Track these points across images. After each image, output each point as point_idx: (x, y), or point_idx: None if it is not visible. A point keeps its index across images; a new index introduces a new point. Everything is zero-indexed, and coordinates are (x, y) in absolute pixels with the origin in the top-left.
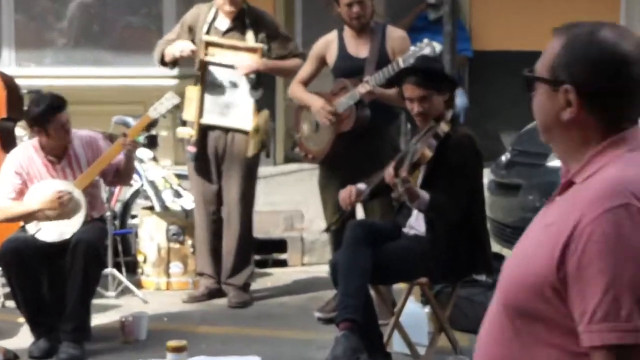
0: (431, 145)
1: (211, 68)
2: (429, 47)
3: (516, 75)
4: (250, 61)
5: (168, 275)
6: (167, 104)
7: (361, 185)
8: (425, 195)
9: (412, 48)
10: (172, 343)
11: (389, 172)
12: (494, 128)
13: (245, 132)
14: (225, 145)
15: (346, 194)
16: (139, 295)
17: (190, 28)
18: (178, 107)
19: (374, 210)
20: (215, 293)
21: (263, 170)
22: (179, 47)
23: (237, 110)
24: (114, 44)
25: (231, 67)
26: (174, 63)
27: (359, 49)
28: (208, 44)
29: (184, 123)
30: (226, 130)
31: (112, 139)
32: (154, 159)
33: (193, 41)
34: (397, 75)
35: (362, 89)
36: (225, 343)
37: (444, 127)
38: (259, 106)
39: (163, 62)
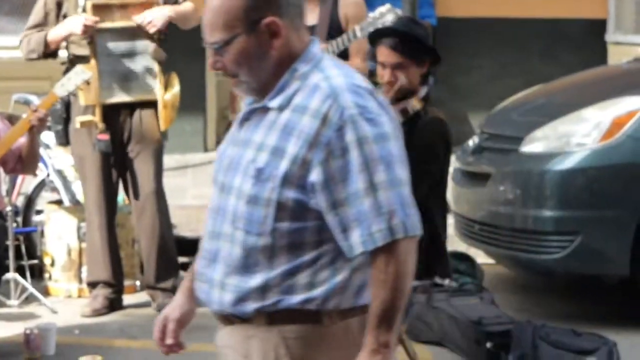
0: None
1: (101, 36)
2: (392, 13)
3: (487, 47)
4: (151, 12)
5: (80, 280)
6: (76, 80)
7: None
8: None
9: (371, 14)
10: (85, 359)
11: None
12: (461, 108)
13: (153, 104)
14: (131, 129)
15: None
16: (46, 304)
17: (59, 1)
18: (88, 84)
19: None
20: (116, 304)
21: (192, 157)
22: (69, 25)
23: (140, 79)
24: (14, 9)
25: (126, 30)
26: (54, 53)
27: (307, 16)
28: (95, 7)
29: (84, 110)
30: (131, 108)
31: (12, 120)
32: (62, 144)
33: (65, 16)
34: (375, 33)
35: None
36: (148, 359)
37: (414, 104)
38: (166, 69)
39: (47, 54)
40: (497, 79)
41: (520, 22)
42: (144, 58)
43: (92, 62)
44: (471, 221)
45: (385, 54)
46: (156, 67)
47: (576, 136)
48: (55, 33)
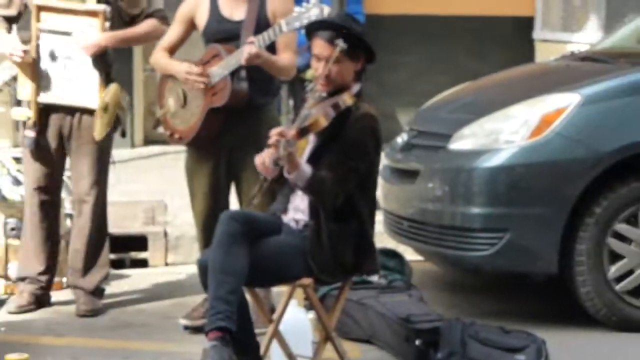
0: (328, 115)
1: (45, 37)
2: (317, 8)
3: (416, 44)
4: (90, 33)
5: (7, 277)
6: (3, 75)
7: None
8: (306, 168)
9: (297, 9)
10: (11, 357)
11: (275, 130)
12: (389, 105)
13: (91, 111)
14: (71, 128)
15: (259, 159)
16: None
17: None
18: (15, 80)
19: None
20: (42, 300)
21: (119, 153)
22: (5, 47)
23: (79, 84)
24: None
25: (69, 34)
26: None
27: (234, 11)
28: (40, 9)
29: (19, 103)
30: (71, 109)
31: None
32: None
33: (26, 5)
34: (311, 25)
35: (249, 49)
36: (75, 357)
37: (346, 100)
38: (107, 78)
39: None
40: (424, 76)
41: (447, 19)
42: (86, 63)
43: (31, 58)
44: (400, 218)
45: (320, 46)
46: (97, 75)
47: (504, 133)
48: None
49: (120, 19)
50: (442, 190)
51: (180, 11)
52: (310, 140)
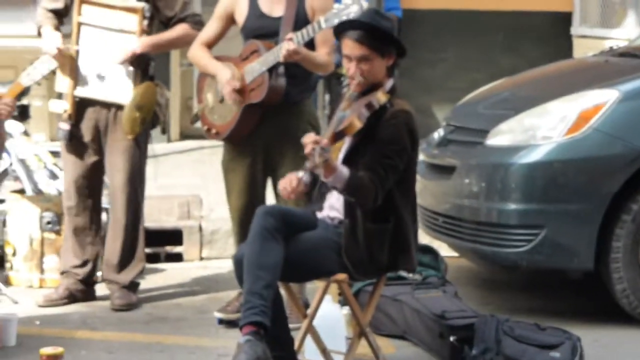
0: (362, 116)
1: (85, 30)
2: (356, 5)
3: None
4: (127, 41)
5: (42, 270)
6: (42, 69)
7: (300, 174)
8: (344, 170)
9: (337, 6)
10: (46, 350)
11: (309, 136)
12: (426, 101)
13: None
14: (107, 122)
15: (286, 182)
16: (7, 294)
17: None
18: (54, 73)
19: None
20: (78, 295)
21: (155, 147)
22: (44, 44)
23: (114, 80)
24: None
25: (109, 30)
26: None
27: (274, 7)
28: (82, 2)
29: (59, 95)
30: (107, 104)
31: None
32: (25, 133)
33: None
34: (340, 26)
35: (287, 46)
36: (110, 351)
37: (380, 97)
38: (144, 75)
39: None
40: (461, 72)
41: (484, 14)
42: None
43: (72, 51)
44: (435, 214)
45: (350, 46)
46: (132, 72)
47: (542, 129)
48: (42, 40)
49: (157, 18)
50: (478, 186)
51: (219, 6)
52: (346, 140)
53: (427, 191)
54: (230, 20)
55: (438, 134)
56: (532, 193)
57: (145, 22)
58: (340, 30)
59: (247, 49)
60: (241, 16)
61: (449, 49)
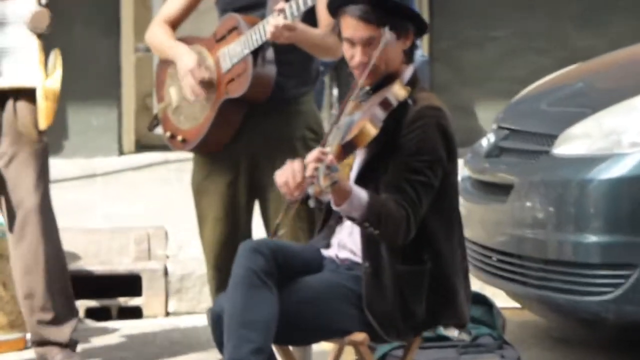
0: (376, 118)
1: None
2: None
3: (507, 13)
4: None
5: None
6: None
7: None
8: (361, 194)
9: None
10: None
11: (310, 155)
12: (470, 95)
13: (30, 93)
14: (1, 125)
15: (287, 174)
16: None
17: None
18: None
19: (280, 225)
20: None
21: (102, 163)
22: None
23: (10, 59)
24: None
25: None
26: None
27: None
28: None
29: None
30: (2, 97)
31: None
32: None
33: None
34: (334, 0)
35: (277, 21)
36: None
37: (397, 92)
38: (48, 45)
39: None
40: (519, 55)
41: None
42: (18, 28)
43: None
44: (487, 249)
45: (352, 26)
46: (35, 42)
47: (629, 133)
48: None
49: None
50: (544, 211)
51: None
52: (358, 152)
53: (474, 219)
54: None
55: (487, 140)
56: (618, 220)
57: None
58: (337, 5)
59: (224, 26)
60: None
61: (502, 25)
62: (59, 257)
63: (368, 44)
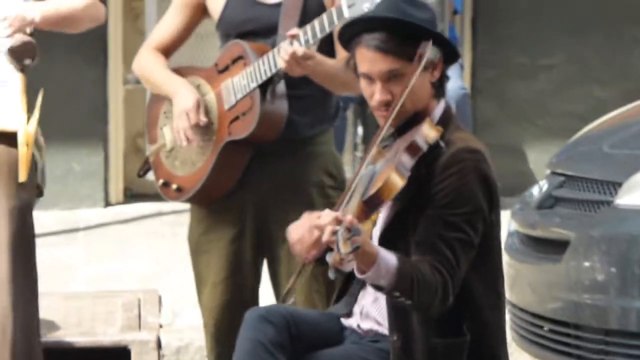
0: (403, 167)
1: None
2: None
3: (562, 35)
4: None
5: None
6: None
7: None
8: (389, 259)
9: None
10: None
11: (325, 217)
12: (518, 135)
13: (9, 137)
14: None
15: (302, 230)
16: None
17: None
18: None
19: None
20: None
21: (84, 215)
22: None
23: None
24: None
25: None
26: None
27: None
28: None
29: None
30: None
31: None
32: None
33: None
34: (345, 31)
35: (290, 49)
36: None
37: (427, 134)
38: (34, 85)
39: None
40: (576, 86)
41: None
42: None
43: None
44: (537, 317)
45: (369, 59)
46: (17, 78)
47: None
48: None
49: None
50: (606, 272)
51: None
52: (383, 207)
53: (522, 281)
54: (200, 11)
55: (539, 188)
56: None
57: None
58: (349, 36)
59: (227, 54)
60: (218, 3)
61: (555, 50)
62: (30, 331)
63: (389, 78)
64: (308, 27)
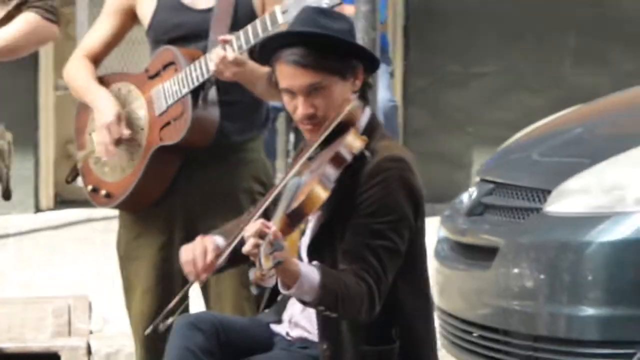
0: (326, 179)
1: None
2: None
3: (494, 43)
4: None
5: None
6: None
7: (219, 239)
8: (311, 274)
9: None
10: None
11: (249, 228)
12: (449, 142)
13: None
14: None
15: (198, 251)
16: None
17: None
18: None
19: (222, 295)
20: None
21: (14, 220)
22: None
23: None
24: None
25: None
26: None
27: None
28: None
29: None
30: None
31: None
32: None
33: None
34: (265, 45)
35: (222, 54)
36: None
37: (352, 143)
38: None
39: None
40: (507, 95)
41: (550, 3)
42: None
43: None
44: (467, 323)
45: (289, 75)
46: None
47: (634, 188)
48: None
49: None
50: (534, 279)
51: None
52: (309, 219)
53: (451, 287)
54: (130, 17)
55: (469, 195)
56: (620, 291)
57: None
58: (267, 53)
59: (158, 60)
60: (147, 9)
61: (487, 58)
62: None
63: (311, 92)
64: (241, 33)
